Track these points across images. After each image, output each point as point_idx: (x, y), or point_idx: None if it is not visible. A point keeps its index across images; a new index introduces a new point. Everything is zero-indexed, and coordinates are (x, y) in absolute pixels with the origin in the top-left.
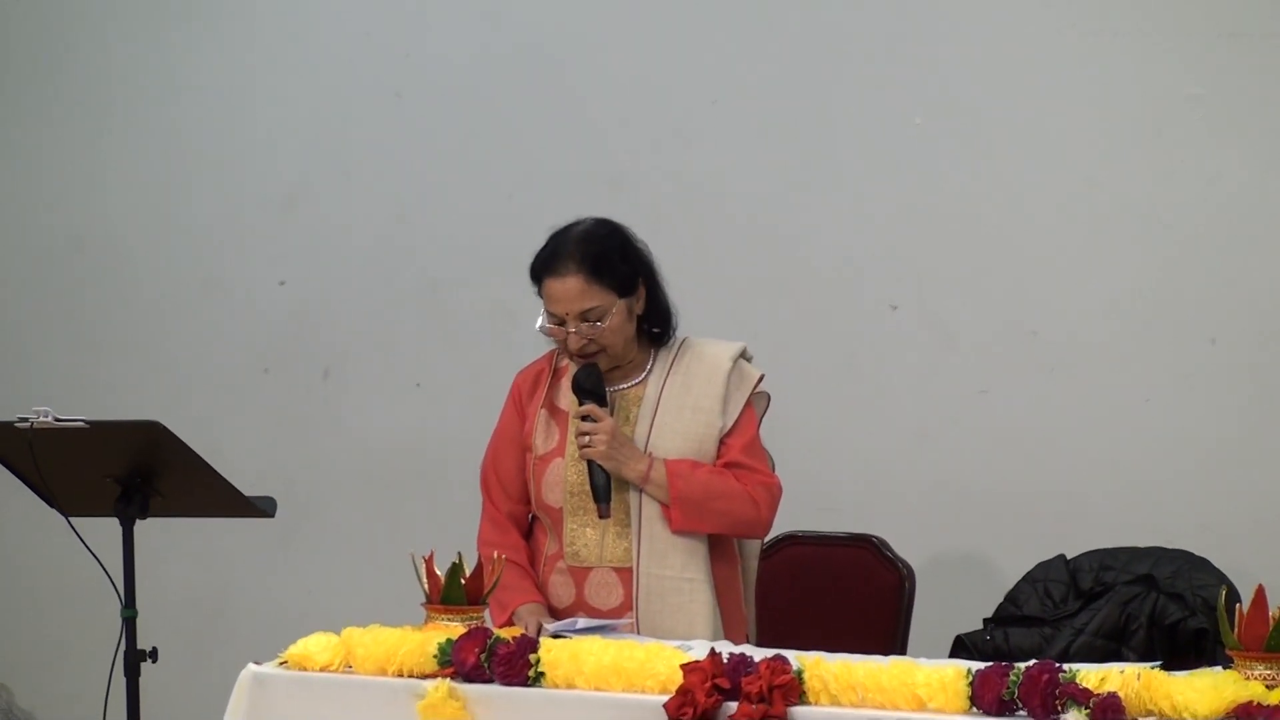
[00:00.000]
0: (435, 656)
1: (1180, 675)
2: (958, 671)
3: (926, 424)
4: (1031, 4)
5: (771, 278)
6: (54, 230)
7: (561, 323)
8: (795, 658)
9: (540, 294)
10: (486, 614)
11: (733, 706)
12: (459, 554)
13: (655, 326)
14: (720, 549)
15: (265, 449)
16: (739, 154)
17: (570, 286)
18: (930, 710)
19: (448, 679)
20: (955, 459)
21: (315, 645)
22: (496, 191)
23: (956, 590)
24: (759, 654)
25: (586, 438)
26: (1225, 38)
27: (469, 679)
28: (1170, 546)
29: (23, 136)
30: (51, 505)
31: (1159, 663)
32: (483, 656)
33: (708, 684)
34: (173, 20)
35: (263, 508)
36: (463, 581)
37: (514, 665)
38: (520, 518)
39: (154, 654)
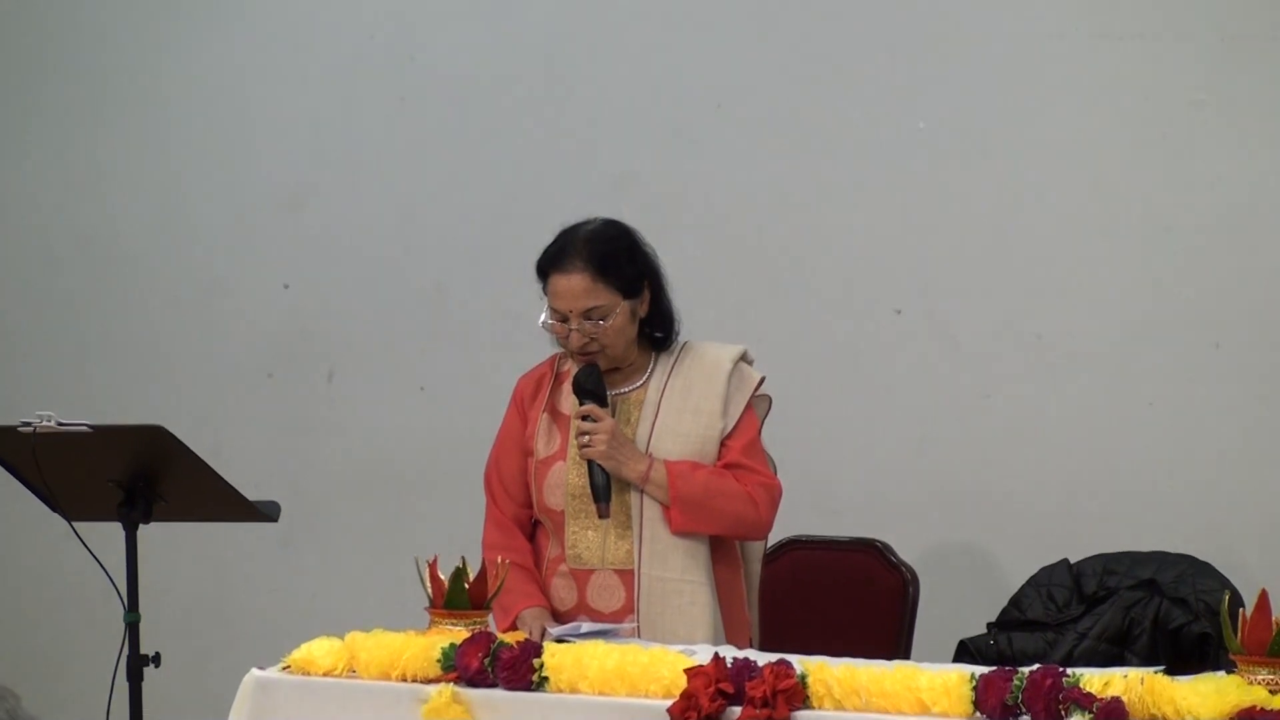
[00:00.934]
0: (439, 661)
1: (1183, 680)
2: (961, 676)
3: (930, 428)
4: (1035, 9)
5: (775, 281)
6: (57, 233)
7: (564, 319)
8: (799, 662)
9: (545, 290)
10: (490, 618)
11: (736, 711)
12: (462, 558)
13: (658, 331)
14: (723, 552)
15: (269, 453)
16: (743, 158)
17: (575, 284)
18: (934, 715)
19: (451, 684)
20: (959, 463)
21: (319, 650)
22: (500, 195)
23: (960, 594)
24: (763, 658)
25: (586, 437)
26: (1230, 42)
27: (473, 684)
28: (1174, 551)
29: (26, 139)
30: (54, 510)
31: (1162, 667)
32: (486, 661)
33: (711, 688)
34: (176, 23)
35: (266, 512)
36: (466, 586)
37: (518, 670)
38: (524, 521)
39: (157, 659)
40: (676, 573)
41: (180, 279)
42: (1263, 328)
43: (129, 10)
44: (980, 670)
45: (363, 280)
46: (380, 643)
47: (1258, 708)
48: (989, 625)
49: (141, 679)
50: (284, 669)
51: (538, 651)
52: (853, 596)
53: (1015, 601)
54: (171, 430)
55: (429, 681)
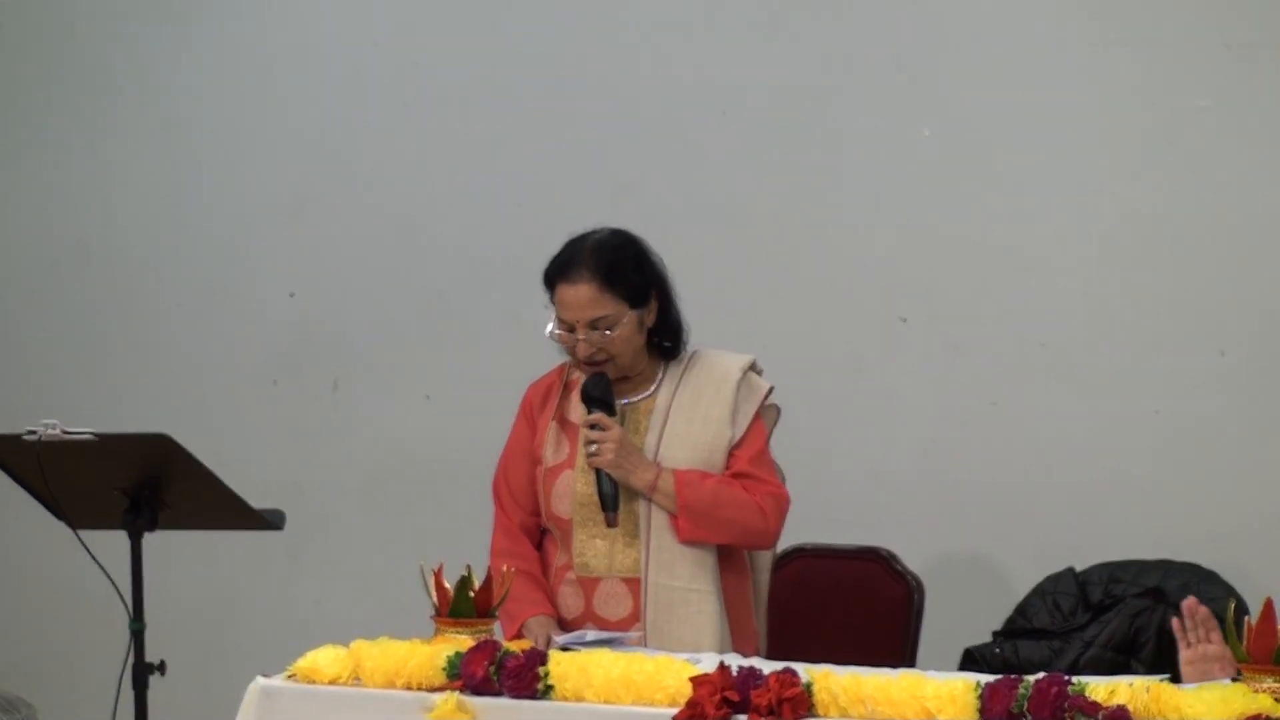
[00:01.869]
0: (444, 669)
1: (1189, 688)
2: (967, 684)
3: (936, 436)
4: (1040, 16)
5: (780, 289)
6: (62, 240)
7: (571, 329)
8: (804, 670)
9: (552, 299)
10: (496, 626)
11: (742, 719)
12: (468, 566)
13: (666, 340)
14: (731, 561)
15: (274, 461)
16: (748, 165)
17: (582, 294)
18: None
19: (456, 692)
20: (964, 471)
21: (324, 658)
22: (505, 202)
23: (965, 603)
24: (768, 666)
25: (594, 446)
26: (1234, 50)
27: (478, 692)
28: (1179, 559)
29: (31, 144)
30: (59, 518)
31: (1168, 675)
32: (492, 669)
33: (717, 697)
34: (181, 29)
35: (271, 520)
36: (472, 594)
37: (523, 678)
38: (532, 529)
39: (162, 666)
40: (684, 581)
41: (185, 286)
42: (1268, 335)
43: (133, 18)
44: (986, 678)
45: (368, 288)
46: (385, 651)
47: (1263, 716)
48: (994, 633)
49: (147, 687)
50: (289, 677)
51: (543, 660)
52: (858, 605)
53: (1021, 610)
54: (176, 438)
55: (434, 690)
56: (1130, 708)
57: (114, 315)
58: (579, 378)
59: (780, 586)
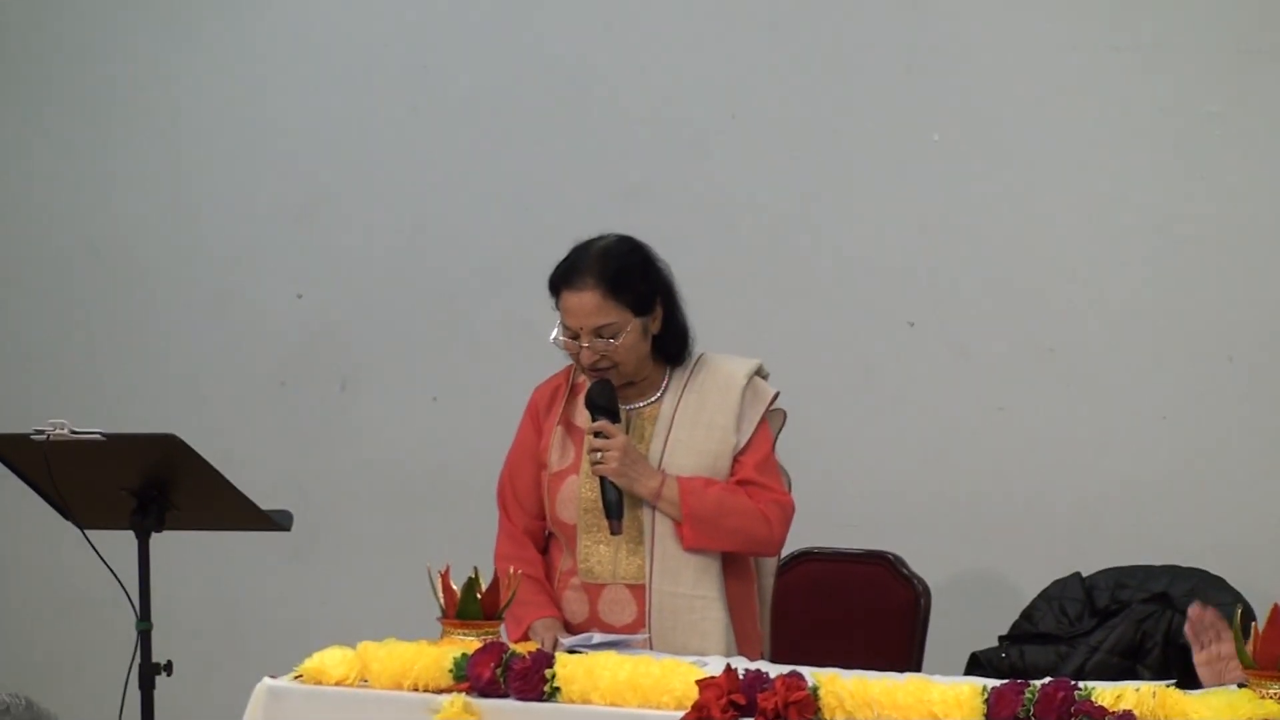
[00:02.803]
0: (451, 671)
1: (1195, 693)
2: (973, 689)
3: (943, 440)
4: (1049, 21)
5: (788, 293)
6: (70, 241)
7: (576, 336)
8: (810, 674)
9: (557, 306)
10: (502, 629)
11: None
12: (475, 568)
13: (671, 346)
14: (735, 566)
15: (281, 462)
16: (757, 169)
17: (586, 301)
18: None
19: (463, 694)
20: (971, 476)
21: (330, 659)
22: (513, 204)
23: (972, 607)
24: (774, 670)
25: (599, 454)
26: (1244, 55)
27: (484, 694)
28: (1186, 565)
29: (38, 147)
30: (67, 518)
31: (1174, 681)
32: (498, 671)
33: (723, 700)
34: (188, 31)
35: (279, 521)
36: (478, 596)
37: (529, 680)
38: (537, 533)
39: (169, 667)
40: (688, 588)
41: (193, 288)
42: (1276, 340)
43: (140, 20)
44: (992, 683)
45: (375, 289)
46: (392, 652)
47: None
48: (1001, 638)
49: (153, 687)
50: (296, 678)
51: (550, 662)
52: (864, 609)
53: (1027, 614)
54: (184, 439)
55: (441, 691)
56: (1136, 713)
57: (122, 316)
58: (585, 381)
59: (787, 590)
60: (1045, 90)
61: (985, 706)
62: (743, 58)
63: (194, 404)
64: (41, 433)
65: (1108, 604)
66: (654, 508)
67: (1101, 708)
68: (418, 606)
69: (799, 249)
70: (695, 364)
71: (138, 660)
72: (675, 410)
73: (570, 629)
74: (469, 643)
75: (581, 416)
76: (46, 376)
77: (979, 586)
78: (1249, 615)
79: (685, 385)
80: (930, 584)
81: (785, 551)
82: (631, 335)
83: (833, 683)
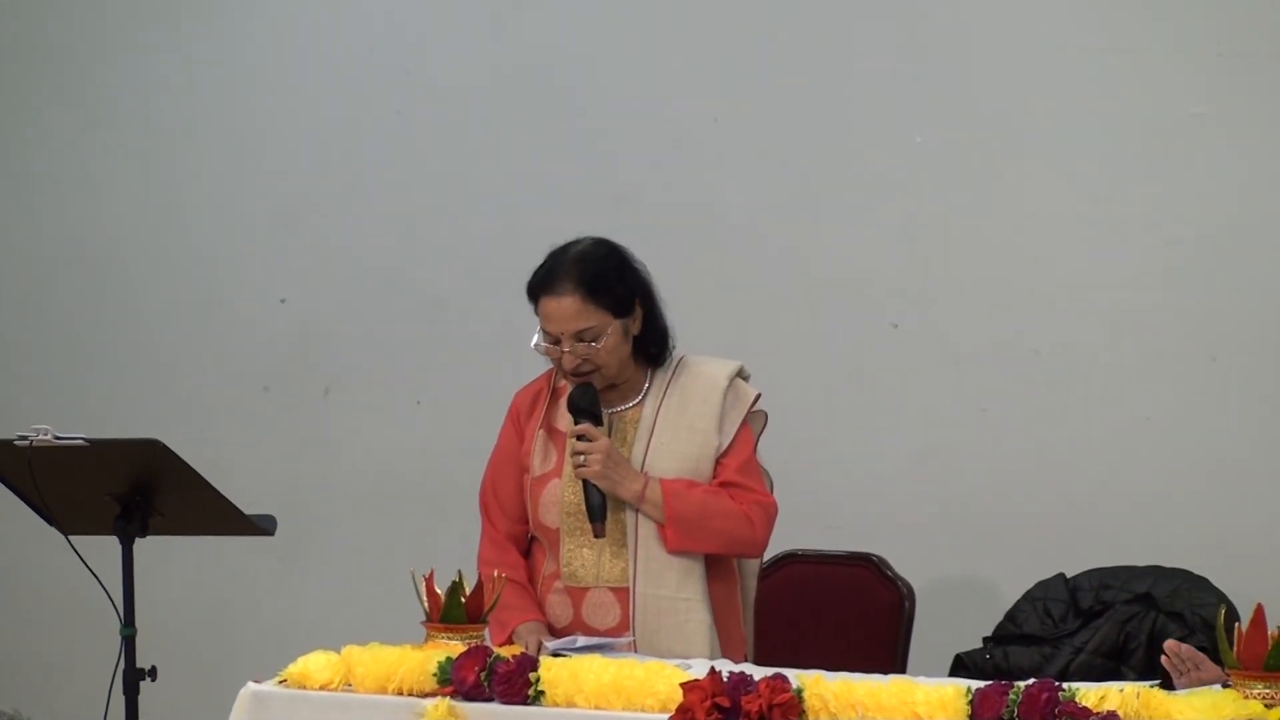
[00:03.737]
0: (435, 675)
1: (1179, 694)
2: (957, 690)
3: (927, 442)
4: (1034, 22)
5: (772, 295)
6: (54, 246)
7: (556, 342)
8: (795, 676)
9: (537, 312)
10: (486, 632)
11: None
12: (459, 572)
13: (652, 347)
14: (718, 568)
15: (265, 467)
16: (740, 172)
17: (566, 306)
18: None
19: (447, 698)
20: (955, 477)
21: (315, 663)
22: (498, 209)
23: (956, 609)
24: (758, 672)
25: (581, 457)
26: (1230, 57)
27: (469, 697)
28: (1170, 565)
29: (22, 151)
30: (51, 524)
31: (1158, 681)
32: (482, 675)
33: (707, 702)
34: (174, 36)
35: (263, 526)
36: (463, 600)
37: (514, 684)
38: (520, 537)
39: (153, 672)
40: (671, 590)
41: (177, 292)
42: (1260, 341)
43: (126, 23)
44: (976, 684)
45: (360, 294)
46: (376, 656)
47: None
48: (985, 639)
49: (138, 693)
50: (280, 682)
51: (534, 665)
52: (849, 611)
53: (1011, 616)
54: (168, 444)
55: (425, 695)
56: (1120, 713)
57: (106, 321)
58: (566, 385)
59: (771, 592)
60: (1029, 94)
61: (969, 708)
62: (725, 61)
63: (178, 409)
64: (25, 438)
65: (1092, 605)
66: (637, 510)
67: (1085, 709)
68: (402, 610)
69: (783, 252)
70: (676, 366)
71: (122, 666)
72: (657, 413)
73: (554, 633)
74: (453, 647)
75: (563, 420)
76: (30, 381)
77: (963, 588)
78: (1232, 615)
79: (667, 388)
80: (914, 585)
81: (769, 554)
82: (613, 337)
83: (817, 685)
